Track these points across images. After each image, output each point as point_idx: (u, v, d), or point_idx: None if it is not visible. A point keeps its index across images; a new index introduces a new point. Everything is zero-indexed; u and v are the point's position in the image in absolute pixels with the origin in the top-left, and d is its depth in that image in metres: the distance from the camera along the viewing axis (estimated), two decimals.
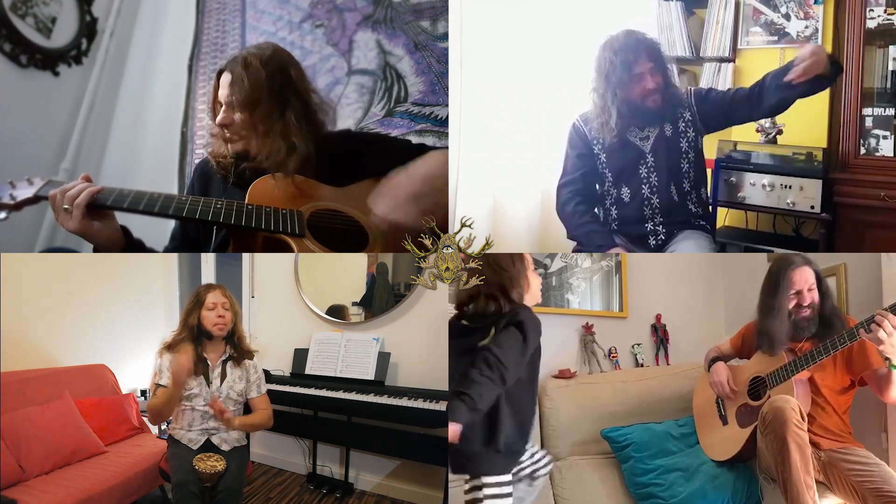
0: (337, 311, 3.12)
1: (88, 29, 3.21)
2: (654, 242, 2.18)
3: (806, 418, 1.65)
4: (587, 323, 2.54)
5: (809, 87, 1.99)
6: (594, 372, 2.49)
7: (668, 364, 2.59)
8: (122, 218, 1.76)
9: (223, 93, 1.83)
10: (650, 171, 2.14)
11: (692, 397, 2.22)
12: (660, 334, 2.61)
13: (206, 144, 1.94)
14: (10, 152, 2.73)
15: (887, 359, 1.60)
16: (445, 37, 2.68)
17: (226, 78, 1.83)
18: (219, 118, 1.84)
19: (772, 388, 1.81)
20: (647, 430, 2.20)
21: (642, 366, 2.56)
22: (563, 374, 2.39)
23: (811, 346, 1.77)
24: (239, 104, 1.80)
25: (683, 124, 2.15)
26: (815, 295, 1.81)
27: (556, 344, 2.48)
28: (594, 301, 2.62)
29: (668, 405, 2.31)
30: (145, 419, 2.89)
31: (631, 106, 2.08)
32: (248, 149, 1.85)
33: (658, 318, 2.64)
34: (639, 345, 2.59)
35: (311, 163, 1.85)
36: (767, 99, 2.05)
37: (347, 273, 3.11)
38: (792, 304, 1.82)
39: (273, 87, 1.82)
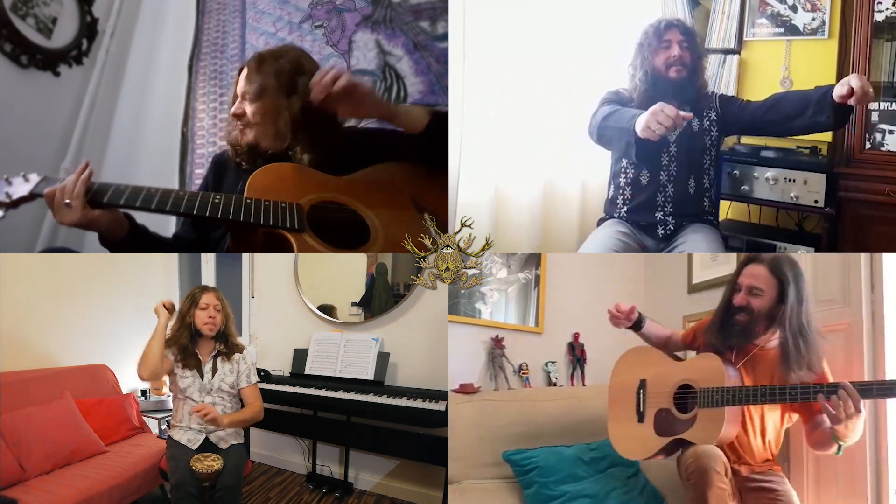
0: (328, 310, 3.10)
1: (89, 29, 3.21)
2: (662, 232, 2.17)
3: (730, 471, 1.57)
4: (497, 336, 2.37)
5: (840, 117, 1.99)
6: (501, 388, 2.30)
7: (583, 385, 2.43)
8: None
9: (240, 86, 1.91)
10: (670, 160, 2.15)
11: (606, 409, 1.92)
12: (577, 353, 2.46)
13: (227, 133, 2.06)
14: (11, 152, 2.72)
15: (836, 437, 1.49)
16: (445, 37, 2.66)
17: (243, 73, 1.92)
18: (232, 109, 1.92)
19: (700, 408, 1.63)
20: (555, 453, 2.03)
21: (556, 385, 2.42)
22: (465, 389, 2.20)
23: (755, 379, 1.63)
24: (251, 95, 1.87)
25: (708, 122, 2.17)
26: (757, 302, 1.61)
27: (461, 356, 2.30)
28: (508, 314, 2.46)
29: (581, 428, 2.15)
30: (146, 418, 2.89)
31: (655, 72, 2.11)
32: (258, 140, 1.89)
33: (576, 336, 2.48)
34: (553, 363, 2.44)
35: (326, 158, 1.88)
36: (806, 117, 2.01)
37: (347, 273, 3.10)
38: (734, 300, 1.65)
39: (283, 75, 1.87)
